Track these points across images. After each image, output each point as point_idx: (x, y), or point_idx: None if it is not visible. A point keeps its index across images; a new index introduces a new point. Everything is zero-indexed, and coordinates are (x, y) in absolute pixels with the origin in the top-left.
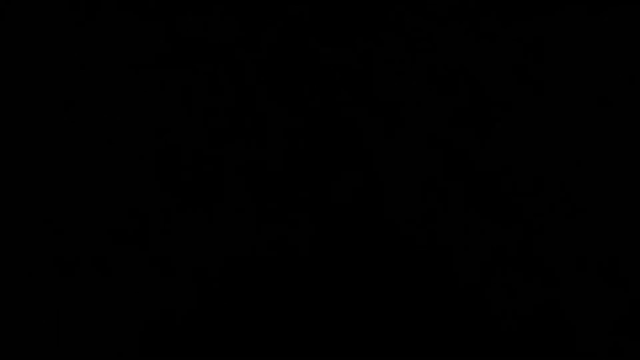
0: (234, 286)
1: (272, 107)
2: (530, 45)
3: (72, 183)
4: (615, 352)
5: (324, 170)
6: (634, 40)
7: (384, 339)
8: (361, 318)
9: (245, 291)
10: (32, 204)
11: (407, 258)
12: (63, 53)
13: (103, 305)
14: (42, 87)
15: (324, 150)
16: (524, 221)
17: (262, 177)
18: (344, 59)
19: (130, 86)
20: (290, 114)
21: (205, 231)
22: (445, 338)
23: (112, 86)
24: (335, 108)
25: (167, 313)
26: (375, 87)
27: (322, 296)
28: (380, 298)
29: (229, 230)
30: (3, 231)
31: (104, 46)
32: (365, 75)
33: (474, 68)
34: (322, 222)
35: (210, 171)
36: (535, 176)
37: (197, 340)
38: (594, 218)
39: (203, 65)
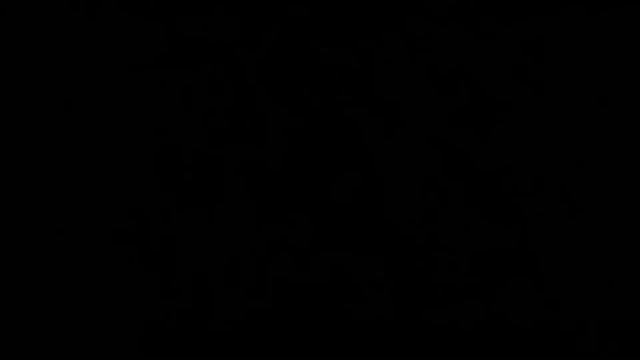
0: (234, 286)
1: (272, 107)
2: (530, 45)
3: (72, 183)
4: (615, 352)
5: (324, 170)
6: (634, 40)
7: (384, 338)
8: (361, 318)
9: (245, 291)
10: (32, 204)
11: (407, 258)
12: (63, 53)
13: (103, 305)
14: (42, 87)
15: (324, 150)
16: (524, 221)
17: (262, 177)
18: (344, 59)
19: (130, 86)
20: (290, 114)
21: (205, 231)
22: (445, 338)
23: (112, 86)
24: (335, 108)
25: (167, 313)
26: (375, 87)
27: (321, 296)
28: (380, 298)
29: (229, 230)
30: (3, 231)
31: (104, 46)
32: (365, 75)
33: (474, 68)
34: (322, 222)
35: (210, 171)
36: (535, 176)
37: (197, 341)
38: (594, 218)
39: (203, 65)
